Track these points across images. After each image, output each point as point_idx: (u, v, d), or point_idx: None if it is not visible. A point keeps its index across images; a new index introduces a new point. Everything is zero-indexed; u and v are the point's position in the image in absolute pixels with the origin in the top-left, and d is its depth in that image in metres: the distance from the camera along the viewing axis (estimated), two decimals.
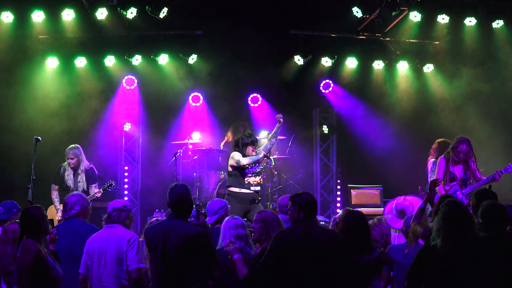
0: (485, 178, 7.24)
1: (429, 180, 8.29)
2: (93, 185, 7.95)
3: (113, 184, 7.97)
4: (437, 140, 8.50)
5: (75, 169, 7.96)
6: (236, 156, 7.56)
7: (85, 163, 8.00)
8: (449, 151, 7.35)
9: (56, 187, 7.96)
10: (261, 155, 7.68)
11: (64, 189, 7.86)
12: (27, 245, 4.39)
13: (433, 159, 8.28)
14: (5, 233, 4.98)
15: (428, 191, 5.45)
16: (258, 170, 7.59)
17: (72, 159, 7.89)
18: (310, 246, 4.24)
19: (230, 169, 7.62)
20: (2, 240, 4.95)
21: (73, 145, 8.01)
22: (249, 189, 7.50)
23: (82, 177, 7.91)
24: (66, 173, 7.93)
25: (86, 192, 7.77)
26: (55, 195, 7.92)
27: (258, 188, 7.57)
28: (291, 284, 4.21)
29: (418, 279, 4.12)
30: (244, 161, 7.48)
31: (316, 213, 4.59)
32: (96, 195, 7.82)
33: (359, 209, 9.02)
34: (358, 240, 4.68)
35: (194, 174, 10.26)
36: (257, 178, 7.58)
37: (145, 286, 4.76)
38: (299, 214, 4.38)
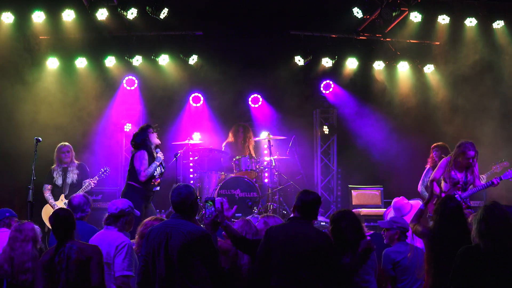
0: (484, 183, 7.23)
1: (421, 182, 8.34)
2: (86, 179, 8.18)
3: (108, 170, 8.30)
4: (433, 145, 8.50)
5: (66, 167, 8.15)
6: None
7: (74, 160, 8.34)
8: (456, 154, 7.19)
9: (49, 186, 8.19)
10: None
11: (55, 188, 8.15)
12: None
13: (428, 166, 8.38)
14: (22, 232, 5.09)
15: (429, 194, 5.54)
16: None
17: (68, 152, 8.19)
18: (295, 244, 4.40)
19: None
20: (21, 239, 5.07)
21: (63, 143, 8.31)
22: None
23: (72, 175, 8.14)
24: (55, 173, 8.18)
25: (77, 185, 8.06)
26: (48, 194, 8.14)
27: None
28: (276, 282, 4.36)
29: (463, 282, 3.88)
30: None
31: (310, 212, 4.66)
32: (91, 184, 8.06)
33: (360, 210, 9.20)
34: (346, 238, 4.67)
35: (195, 174, 10.25)
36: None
37: None
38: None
